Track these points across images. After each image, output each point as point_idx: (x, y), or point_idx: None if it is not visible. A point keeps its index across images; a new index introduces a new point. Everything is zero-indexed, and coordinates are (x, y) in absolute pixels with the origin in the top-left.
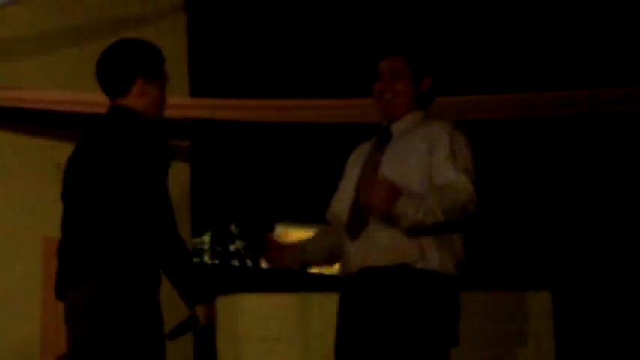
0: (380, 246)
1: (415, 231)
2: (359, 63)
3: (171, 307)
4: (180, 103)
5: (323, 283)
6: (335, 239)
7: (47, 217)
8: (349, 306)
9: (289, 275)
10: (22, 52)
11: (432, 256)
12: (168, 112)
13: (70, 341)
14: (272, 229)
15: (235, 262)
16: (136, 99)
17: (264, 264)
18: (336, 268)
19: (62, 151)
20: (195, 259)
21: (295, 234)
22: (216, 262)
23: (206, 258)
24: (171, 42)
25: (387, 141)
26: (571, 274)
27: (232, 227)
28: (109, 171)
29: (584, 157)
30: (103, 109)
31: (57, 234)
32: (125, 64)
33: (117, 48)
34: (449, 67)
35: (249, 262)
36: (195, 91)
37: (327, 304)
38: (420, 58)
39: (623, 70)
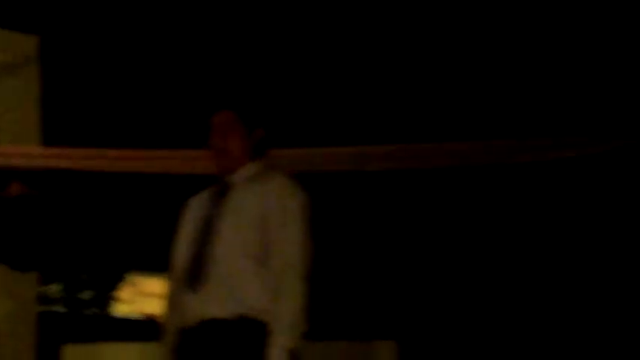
0: (220, 298)
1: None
2: (200, 115)
3: None
4: (31, 152)
5: None
6: (178, 319)
7: None
8: (188, 358)
9: (141, 325)
10: None
11: (272, 309)
12: (20, 160)
13: None
14: (123, 278)
15: (86, 311)
16: None
17: (114, 313)
18: None
19: None
20: (45, 308)
21: (147, 283)
22: (67, 310)
23: (57, 307)
24: (24, 91)
25: (224, 194)
26: (416, 325)
27: (83, 276)
28: None
29: (431, 208)
30: None
31: None
32: None
33: None
34: (285, 118)
35: (99, 311)
36: (48, 140)
37: None
38: (249, 110)
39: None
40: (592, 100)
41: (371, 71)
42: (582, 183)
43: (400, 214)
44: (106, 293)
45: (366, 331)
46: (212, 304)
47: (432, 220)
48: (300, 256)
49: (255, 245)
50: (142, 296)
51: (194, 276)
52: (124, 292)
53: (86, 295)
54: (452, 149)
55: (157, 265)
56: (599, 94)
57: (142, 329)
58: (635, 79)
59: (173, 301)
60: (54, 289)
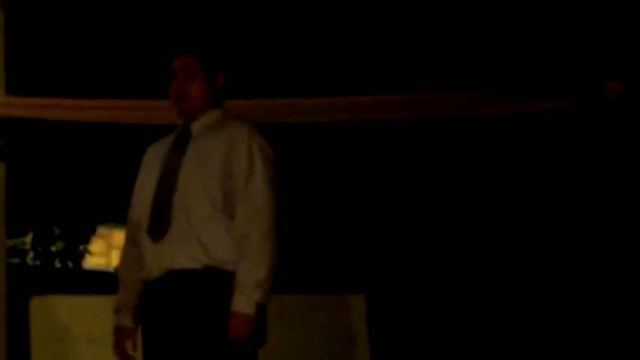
0: (184, 248)
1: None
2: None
3: None
4: None
5: None
6: (135, 268)
7: None
8: (153, 313)
9: (112, 278)
10: None
11: (238, 258)
12: None
13: None
14: (94, 230)
15: (57, 264)
16: None
17: (86, 265)
18: None
19: None
20: (16, 260)
21: (119, 235)
22: (38, 263)
23: (28, 259)
24: None
25: (187, 141)
26: (386, 278)
27: (54, 228)
28: None
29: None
30: None
31: None
32: None
33: None
34: (244, 64)
35: (70, 264)
36: (11, 89)
37: None
38: (212, 55)
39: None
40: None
41: (343, 17)
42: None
43: (373, 164)
44: (77, 245)
45: (336, 283)
46: (176, 253)
47: (404, 171)
48: (267, 208)
49: (219, 194)
50: (114, 249)
51: (156, 225)
52: (95, 245)
53: (57, 247)
54: (424, 100)
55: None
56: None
57: (113, 282)
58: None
59: (131, 251)
60: (24, 240)
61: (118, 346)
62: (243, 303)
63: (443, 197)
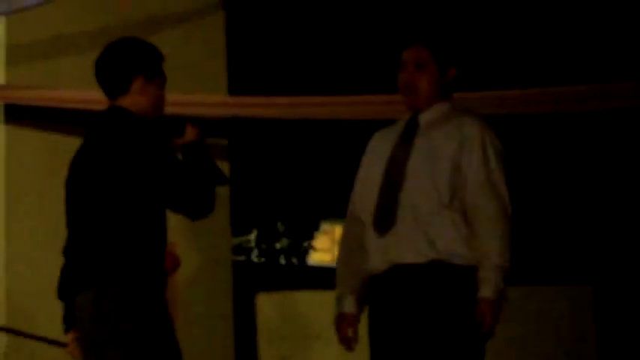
0: (411, 242)
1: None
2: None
3: None
4: (217, 101)
5: None
6: (357, 258)
7: None
8: (381, 308)
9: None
10: (57, 52)
11: (467, 251)
12: (207, 110)
13: (82, 345)
14: (318, 226)
15: (282, 260)
16: (135, 98)
17: (310, 261)
18: None
19: None
20: (241, 258)
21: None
22: (263, 260)
23: (252, 256)
24: (209, 40)
25: (414, 133)
26: (613, 269)
27: (278, 225)
28: (110, 174)
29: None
30: None
31: None
32: (124, 63)
33: (116, 47)
34: (473, 58)
35: (294, 260)
36: (233, 88)
37: None
38: (445, 48)
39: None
40: None
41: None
42: None
43: (605, 154)
44: (301, 242)
45: (563, 275)
46: (403, 248)
47: (629, 160)
48: (505, 201)
49: (447, 189)
50: (337, 245)
51: (382, 219)
52: (319, 241)
53: (281, 244)
54: None
55: None
56: None
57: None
58: None
59: (353, 242)
60: (249, 238)
61: (341, 333)
62: (487, 289)
63: None
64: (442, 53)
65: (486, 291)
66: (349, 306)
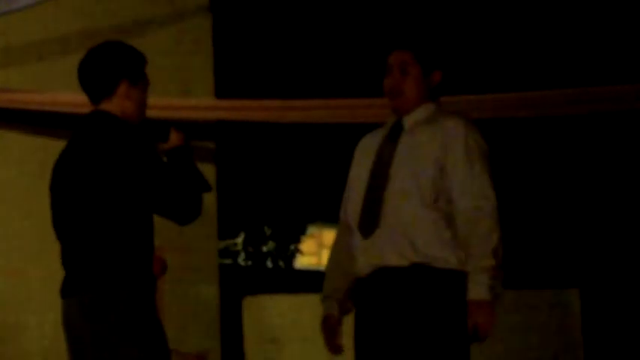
0: (394, 245)
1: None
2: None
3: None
4: (204, 104)
5: None
6: (344, 261)
7: None
8: (365, 311)
9: (323, 276)
10: (45, 54)
11: (450, 254)
12: (194, 113)
13: (69, 352)
14: (305, 229)
15: (268, 264)
16: (120, 103)
17: (297, 265)
18: None
19: None
20: (228, 261)
21: (330, 234)
22: (249, 263)
23: (239, 260)
24: (197, 43)
25: (399, 135)
26: (601, 272)
27: (265, 228)
28: (98, 179)
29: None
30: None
31: None
32: (110, 67)
33: (100, 51)
34: (458, 61)
35: (281, 264)
36: (220, 91)
37: None
38: (429, 51)
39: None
40: None
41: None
42: None
43: (593, 158)
44: (287, 245)
45: (550, 278)
46: (386, 250)
47: (622, 165)
48: (490, 201)
49: (430, 190)
50: (324, 248)
51: (366, 221)
52: (306, 244)
53: (268, 247)
54: None
55: (338, 216)
56: None
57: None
58: None
59: (342, 243)
60: (236, 241)
61: (326, 335)
62: (478, 290)
63: None
64: (426, 55)
65: (475, 293)
66: (331, 308)
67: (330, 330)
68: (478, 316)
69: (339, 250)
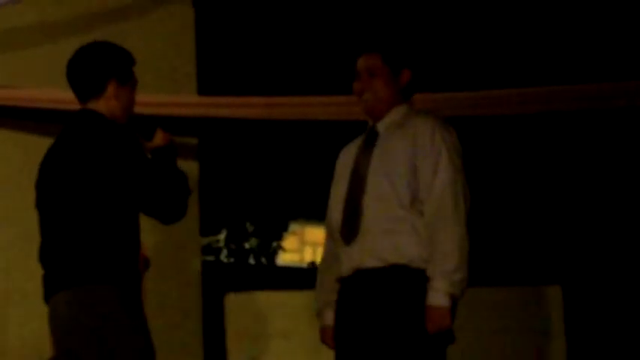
0: (374, 249)
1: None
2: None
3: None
4: (187, 101)
5: None
6: (334, 269)
7: None
8: (346, 310)
9: (305, 274)
10: (26, 47)
11: (426, 255)
12: (177, 110)
13: (56, 349)
14: (287, 226)
15: (251, 261)
16: (108, 102)
17: (279, 262)
18: None
19: None
20: (210, 258)
21: (312, 232)
22: (232, 260)
23: (222, 256)
24: (179, 38)
25: (374, 140)
26: (582, 269)
27: (247, 225)
28: (85, 177)
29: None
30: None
31: None
32: (99, 67)
33: (89, 51)
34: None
35: (264, 260)
36: (203, 87)
37: None
38: (396, 51)
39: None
40: None
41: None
42: None
43: (571, 153)
44: (270, 242)
45: (531, 275)
46: (365, 254)
47: (602, 160)
48: (455, 201)
49: (406, 192)
50: (306, 245)
51: (348, 228)
52: (288, 242)
53: (250, 244)
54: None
55: (321, 214)
56: None
57: (306, 278)
58: None
59: (329, 255)
60: (218, 238)
61: (329, 345)
62: (437, 296)
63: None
64: (393, 56)
65: (431, 299)
66: (329, 319)
67: (330, 341)
68: (434, 320)
69: (328, 261)
